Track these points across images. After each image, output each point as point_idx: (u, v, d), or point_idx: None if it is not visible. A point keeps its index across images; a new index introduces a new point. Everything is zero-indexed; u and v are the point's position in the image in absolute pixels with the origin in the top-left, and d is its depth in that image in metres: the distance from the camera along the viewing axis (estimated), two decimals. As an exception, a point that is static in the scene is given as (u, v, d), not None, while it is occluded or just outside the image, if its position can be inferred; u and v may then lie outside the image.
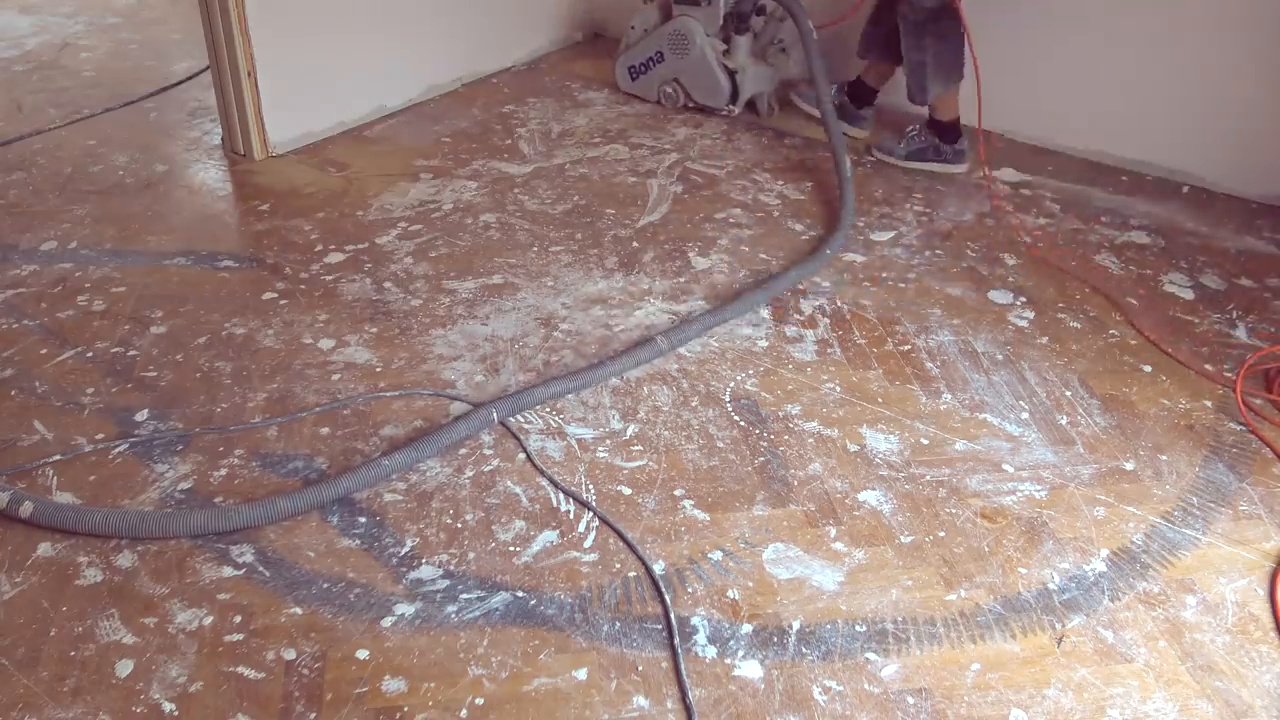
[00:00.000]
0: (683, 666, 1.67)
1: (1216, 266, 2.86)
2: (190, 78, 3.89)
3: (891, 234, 2.99)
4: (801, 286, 2.71)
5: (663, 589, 1.81)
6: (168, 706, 1.58)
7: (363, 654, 1.68)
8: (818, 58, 3.28)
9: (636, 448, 2.14)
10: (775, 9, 3.49)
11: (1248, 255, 2.92)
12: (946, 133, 3.27)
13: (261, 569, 1.83)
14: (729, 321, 2.54)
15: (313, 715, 1.57)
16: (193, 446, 2.10)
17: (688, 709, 1.60)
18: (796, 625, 1.76)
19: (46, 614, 1.73)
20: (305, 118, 3.38)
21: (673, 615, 1.76)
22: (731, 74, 3.52)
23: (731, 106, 3.57)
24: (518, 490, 2.03)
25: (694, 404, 2.27)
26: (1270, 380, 2.38)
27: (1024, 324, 2.59)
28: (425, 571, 1.84)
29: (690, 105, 3.66)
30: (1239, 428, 2.25)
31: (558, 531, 1.93)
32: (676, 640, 1.71)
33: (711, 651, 1.71)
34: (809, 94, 3.56)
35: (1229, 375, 2.39)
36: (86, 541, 1.87)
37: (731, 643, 1.72)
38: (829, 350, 2.47)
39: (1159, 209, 3.16)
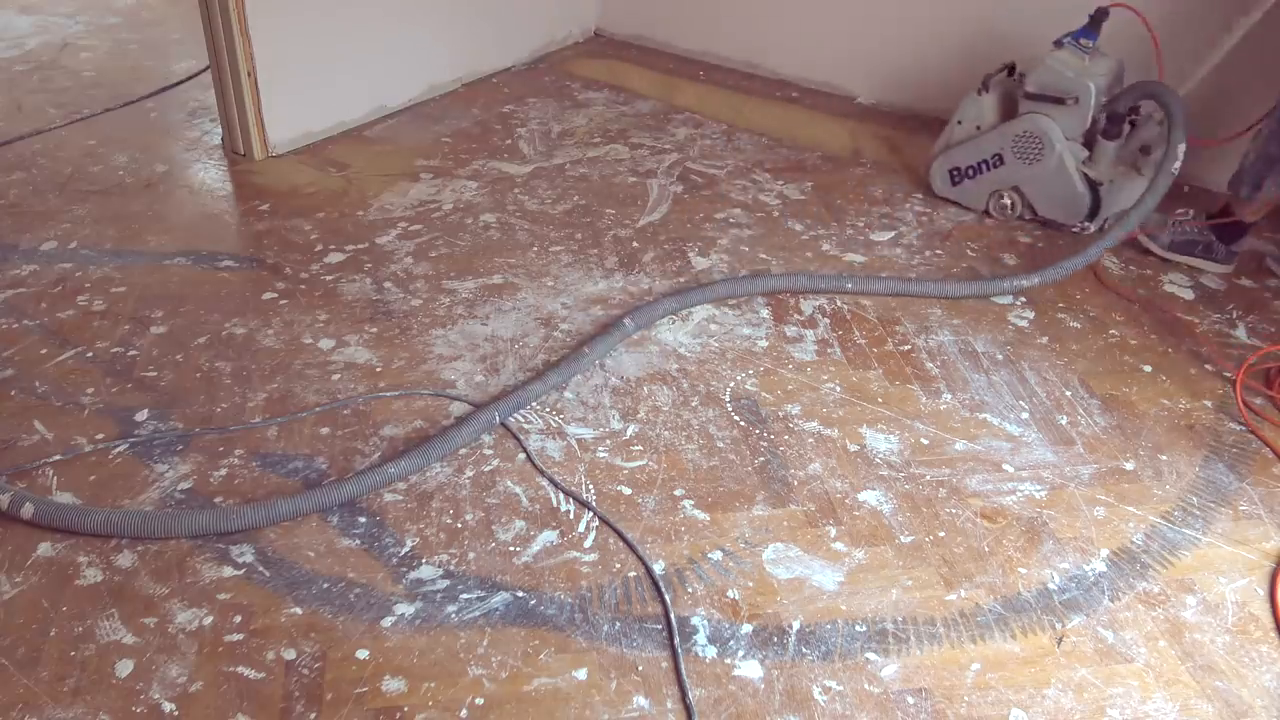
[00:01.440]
0: (683, 666, 1.67)
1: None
2: (190, 78, 3.89)
3: (892, 234, 2.99)
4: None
5: (663, 589, 1.81)
6: (168, 706, 1.58)
7: (363, 654, 1.68)
8: (1169, 171, 2.70)
9: (636, 448, 2.14)
10: (1152, 110, 2.93)
11: (1247, 255, 2.92)
12: (1231, 233, 2.77)
13: (261, 569, 1.83)
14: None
15: (313, 715, 1.58)
16: (193, 446, 2.10)
17: (688, 709, 1.60)
18: (796, 625, 1.76)
19: (46, 614, 1.73)
20: (305, 118, 3.38)
21: (673, 615, 1.76)
22: (1094, 186, 2.91)
23: (1087, 224, 2.96)
24: (518, 490, 2.03)
25: (694, 404, 2.27)
26: (1271, 380, 2.38)
27: (1024, 324, 2.59)
28: (425, 571, 1.84)
29: (1030, 218, 3.04)
30: (1239, 427, 2.25)
31: (558, 531, 1.93)
32: (676, 640, 1.71)
33: (711, 651, 1.71)
34: (1162, 235, 2.89)
35: (1228, 376, 2.39)
36: (86, 541, 1.87)
37: (731, 643, 1.72)
38: (829, 350, 2.47)
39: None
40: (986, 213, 3.07)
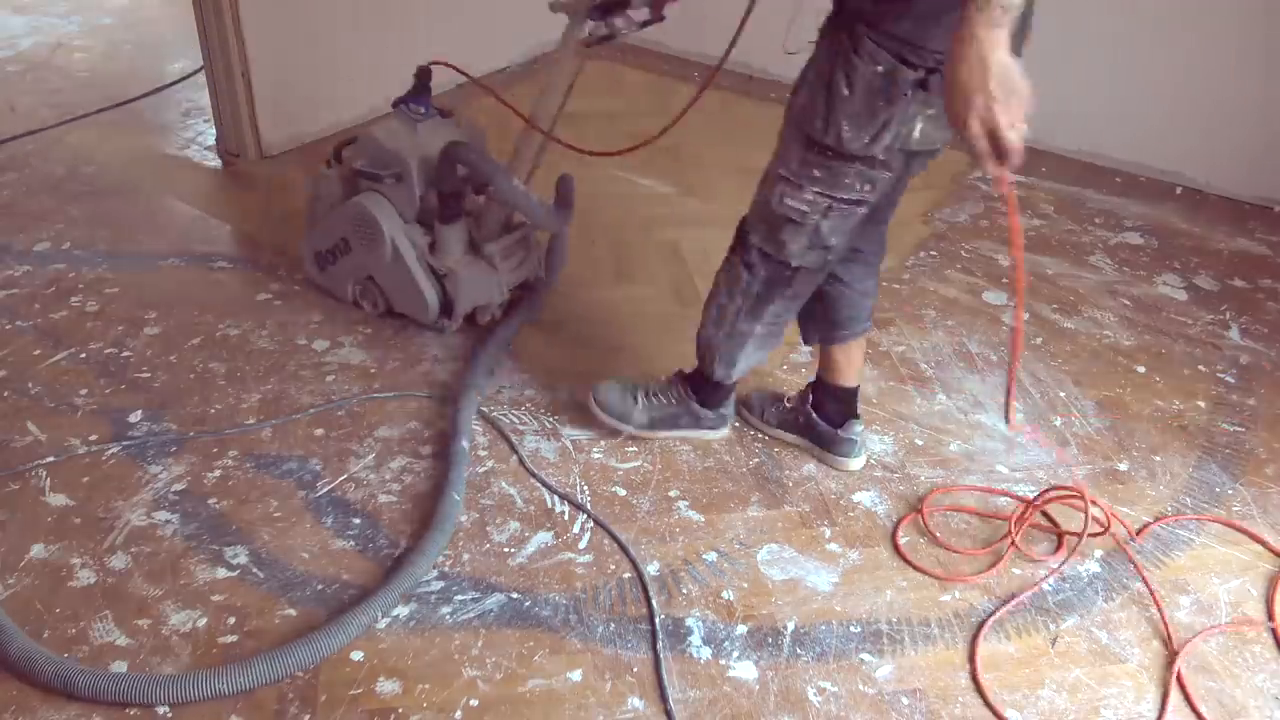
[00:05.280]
0: (664, 670, 1.66)
1: (1210, 268, 2.87)
2: (184, 78, 3.88)
3: (886, 235, 2.99)
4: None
5: (650, 591, 1.80)
6: (162, 709, 1.58)
7: (357, 655, 1.68)
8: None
9: (631, 449, 2.14)
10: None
11: (1240, 256, 2.93)
12: (714, 395, 2.11)
13: (255, 570, 1.82)
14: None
15: (307, 717, 1.57)
16: (186, 448, 2.10)
17: (668, 714, 1.60)
18: (791, 626, 1.76)
19: (40, 615, 1.73)
20: (299, 119, 3.37)
21: (657, 619, 1.76)
22: (440, 278, 2.40)
23: (445, 320, 2.44)
24: (512, 491, 2.02)
25: (689, 405, 2.27)
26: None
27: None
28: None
29: (396, 313, 2.51)
30: (1232, 428, 2.26)
31: (552, 533, 1.93)
32: (659, 645, 1.71)
33: (706, 652, 1.71)
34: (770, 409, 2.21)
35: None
36: (80, 543, 1.86)
37: (726, 644, 1.72)
38: (823, 351, 2.47)
39: (1152, 210, 3.16)
40: (356, 304, 2.54)
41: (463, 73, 2.38)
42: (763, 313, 1.90)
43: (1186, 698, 1.65)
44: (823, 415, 2.10)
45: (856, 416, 2.11)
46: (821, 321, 2.03)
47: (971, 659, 1.71)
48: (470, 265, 2.39)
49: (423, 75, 2.38)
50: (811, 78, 1.64)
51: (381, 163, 2.34)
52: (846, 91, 1.57)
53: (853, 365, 2.08)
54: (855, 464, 2.11)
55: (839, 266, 1.92)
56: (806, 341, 2.10)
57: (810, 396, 2.13)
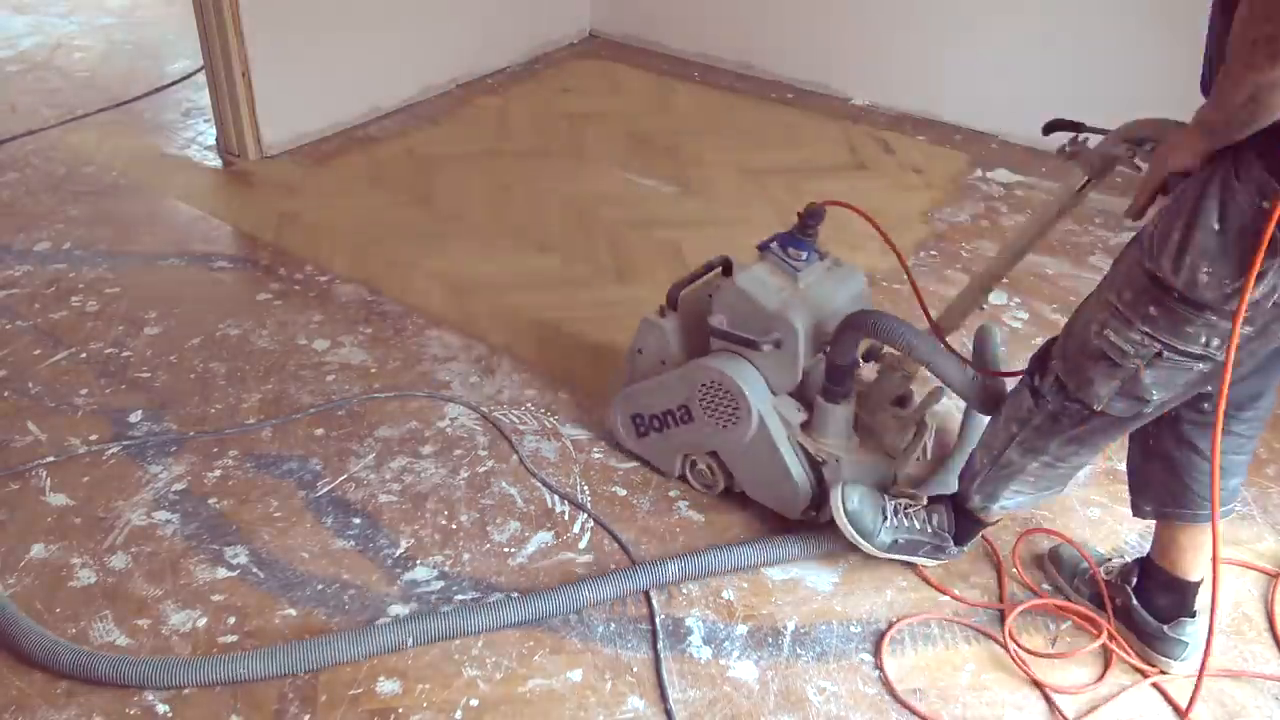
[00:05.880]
0: (664, 670, 1.66)
1: (1210, 267, 2.87)
2: (184, 78, 3.88)
3: (886, 235, 2.99)
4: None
5: (650, 591, 1.80)
6: (162, 708, 1.58)
7: (357, 655, 1.68)
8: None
9: (631, 449, 2.14)
10: (899, 358, 1.96)
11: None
12: (968, 530, 1.83)
13: (256, 570, 1.82)
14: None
15: (306, 717, 1.57)
16: (186, 448, 2.10)
17: (668, 714, 1.60)
18: (791, 626, 1.76)
19: (40, 615, 1.72)
20: (299, 118, 3.37)
21: (657, 619, 1.76)
22: (817, 465, 1.91)
23: (814, 513, 1.93)
24: (512, 491, 2.03)
25: (689, 405, 2.27)
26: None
27: (1019, 325, 2.59)
28: (420, 573, 1.84)
29: (738, 492, 2.02)
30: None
31: (552, 533, 1.93)
32: (660, 644, 1.71)
33: (706, 652, 1.71)
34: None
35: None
36: (80, 542, 1.86)
37: (726, 644, 1.72)
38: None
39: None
40: (684, 479, 2.07)
41: (869, 219, 1.94)
42: (1040, 449, 1.59)
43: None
44: (1148, 605, 1.70)
45: (1191, 615, 1.69)
46: (1159, 489, 1.64)
47: (879, 666, 1.71)
48: (857, 451, 1.91)
49: (812, 216, 1.87)
50: (1174, 201, 1.36)
51: (758, 326, 1.83)
52: (1216, 225, 1.26)
53: (1198, 553, 1.67)
54: (1180, 667, 1.69)
55: (1194, 429, 1.56)
56: (1135, 511, 1.71)
57: (1135, 577, 1.74)
